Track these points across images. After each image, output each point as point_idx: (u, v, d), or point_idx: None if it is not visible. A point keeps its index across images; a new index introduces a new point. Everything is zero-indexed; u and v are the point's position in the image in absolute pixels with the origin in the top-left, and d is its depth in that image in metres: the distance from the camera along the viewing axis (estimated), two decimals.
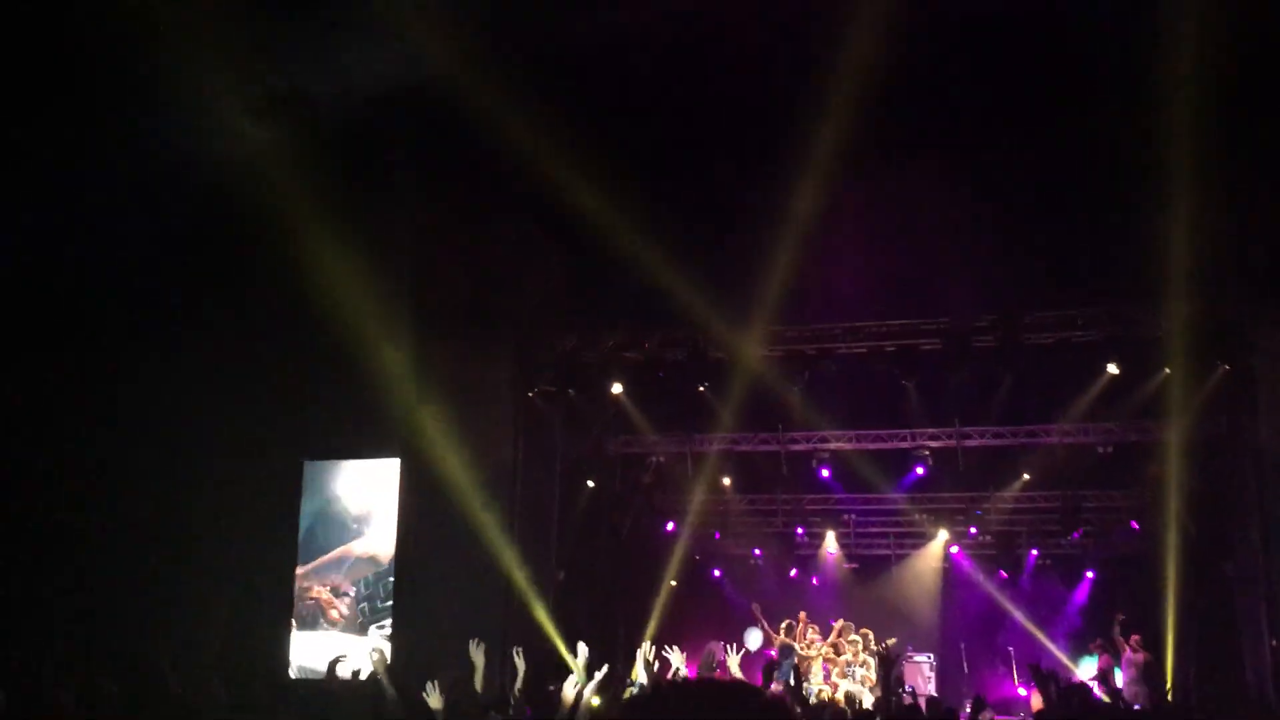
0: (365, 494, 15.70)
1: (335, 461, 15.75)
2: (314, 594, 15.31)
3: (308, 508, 15.68)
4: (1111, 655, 13.96)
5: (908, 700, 9.23)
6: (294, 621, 15.08)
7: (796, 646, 14.51)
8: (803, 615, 15.50)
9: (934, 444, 15.84)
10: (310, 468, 15.81)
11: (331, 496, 15.79)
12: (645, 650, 8.47)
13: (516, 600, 14.10)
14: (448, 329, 14.14)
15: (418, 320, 13.88)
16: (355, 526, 15.57)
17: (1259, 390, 13.07)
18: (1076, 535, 16.59)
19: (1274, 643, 12.79)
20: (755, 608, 15.40)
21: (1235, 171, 10.78)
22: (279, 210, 11.56)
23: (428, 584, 14.19)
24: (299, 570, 15.44)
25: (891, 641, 14.60)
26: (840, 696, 12.42)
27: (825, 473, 16.37)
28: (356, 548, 15.50)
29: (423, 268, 13.44)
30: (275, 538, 15.15)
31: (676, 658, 10.89)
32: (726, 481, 16.77)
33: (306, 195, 11.72)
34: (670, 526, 16.56)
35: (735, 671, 9.37)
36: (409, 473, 15.10)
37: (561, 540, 15.32)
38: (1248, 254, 11.93)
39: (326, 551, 15.50)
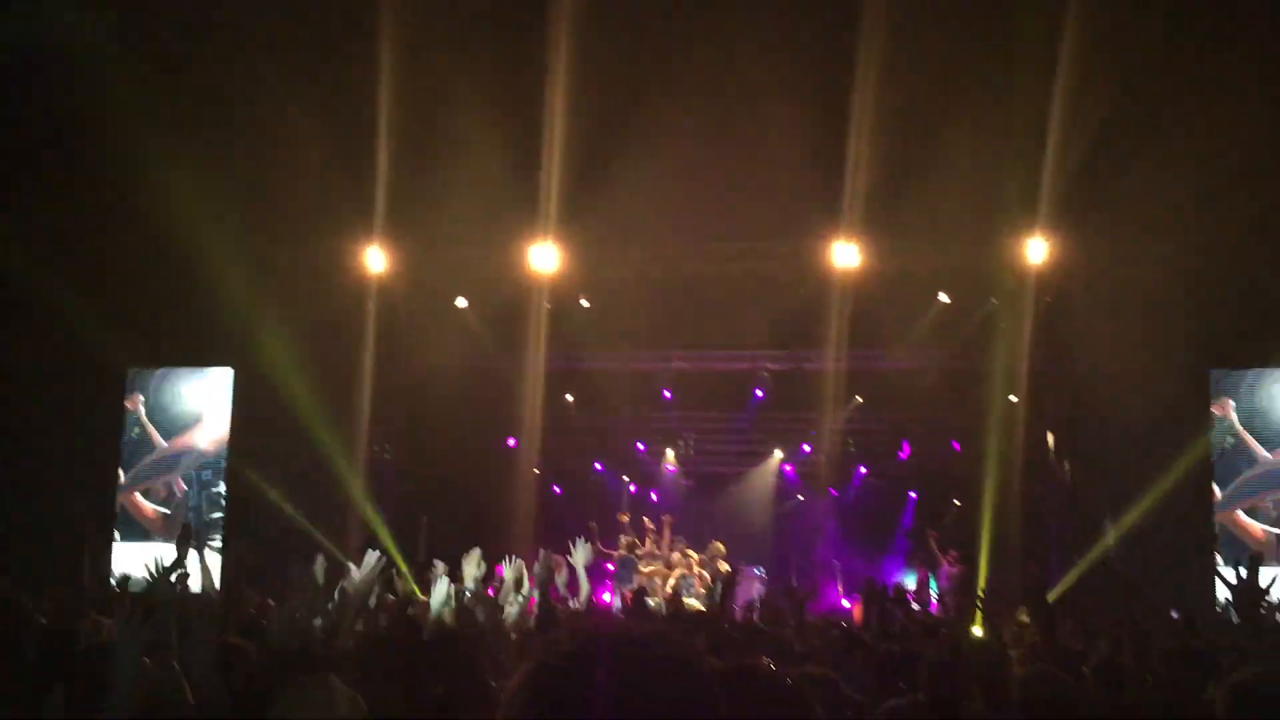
0: (196, 402, 15.16)
1: (165, 369, 15.14)
2: (136, 503, 14.78)
3: (135, 416, 15.08)
4: (928, 567, 14.74)
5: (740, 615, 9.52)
6: (116, 533, 14.56)
7: (637, 563, 14.81)
8: (666, 518, 15.80)
9: (773, 366, 16.24)
10: (137, 375, 15.16)
11: (160, 405, 15.19)
12: (475, 556, 8.43)
13: (355, 513, 13.94)
14: (288, 236, 13.64)
15: (254, 227, 13.33)
16: (185, 434, 15.06)
17: (1075, 323, 13.85)
18: (903, 455, 17.33)
19: (1075, 558, 13.76)
20: (623, 516, 15.60)
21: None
22: (108, 104, 10.87)
23: (261, 496, 13.86)
24: (122, 479, 14.87)
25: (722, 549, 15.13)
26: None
27: (667, 393, 16.60)
28: (184, 453, 15.00)
29: (262, 173, 12.86)
30: (97, 446, 14.53)
31: (511, 567, 10.91)
32: (569, 398, 16.82)
33: (141, 90, 11.05)
34: (512, 442, 16.54)
35: (582, 578, 9.49)
36: (242, 382, 14.64)
37: (399, 453, 15.16)
38: (1074, 195, 12.48)
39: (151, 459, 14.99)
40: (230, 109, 12.41)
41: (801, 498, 18.20)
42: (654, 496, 18.31)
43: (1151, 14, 10.23)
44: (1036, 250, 13.45)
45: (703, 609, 12.71)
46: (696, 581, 14.98)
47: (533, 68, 11.81)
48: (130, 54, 11.20)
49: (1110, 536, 12.33)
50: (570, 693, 1.15)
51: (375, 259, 14.37)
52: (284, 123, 11.90)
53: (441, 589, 7.19)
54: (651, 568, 15.27)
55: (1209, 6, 10.63)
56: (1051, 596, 12.90)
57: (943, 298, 14.68)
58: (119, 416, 14.92)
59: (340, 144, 12.49)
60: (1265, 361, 13.61)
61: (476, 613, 5.99)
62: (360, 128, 12.26)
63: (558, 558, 13.45)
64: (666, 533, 15.61)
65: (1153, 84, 10.97)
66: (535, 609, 7.40)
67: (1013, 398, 14.38)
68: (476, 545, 13.96)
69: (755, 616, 9.74)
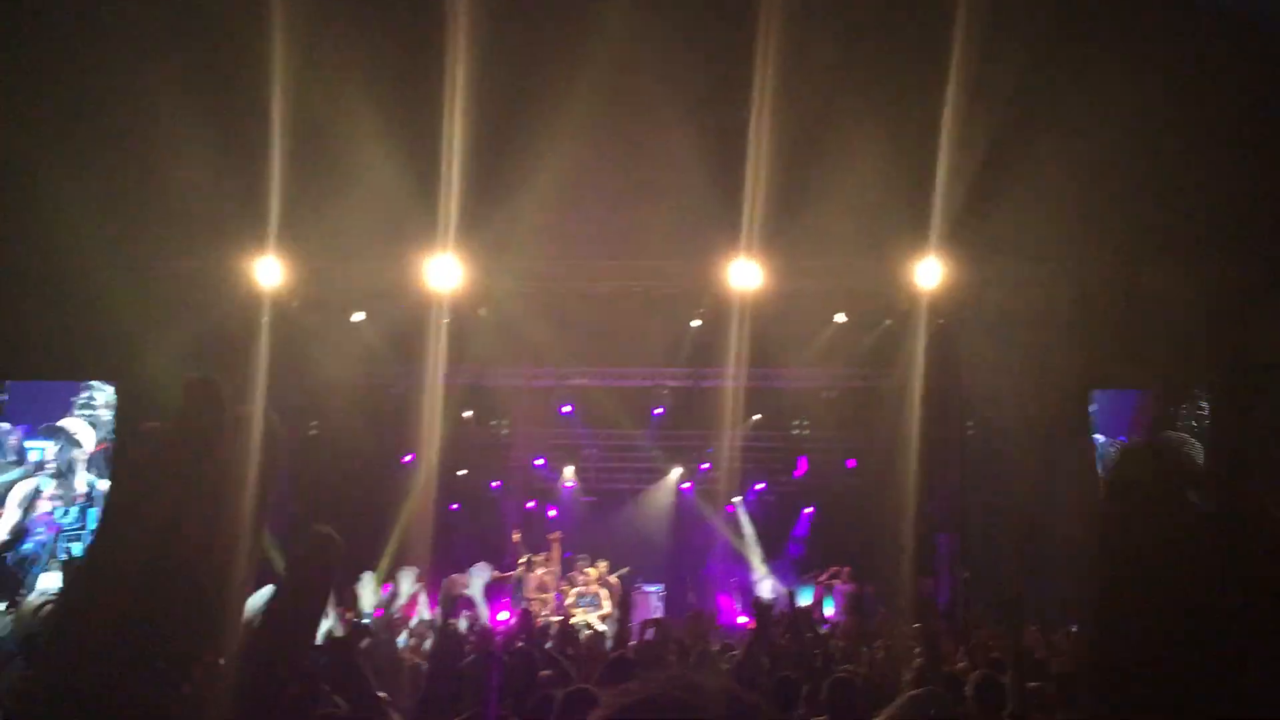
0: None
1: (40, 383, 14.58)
2: None
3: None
4: (825, 588, 14.94)
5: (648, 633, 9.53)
6: None
7: (530, 581, 14.71)
8: (554, 536, 15.69)
9: (672, 383, 16.32)
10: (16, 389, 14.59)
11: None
12: (374, 577, 8.26)
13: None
14: (176, 246, 13.25)
15: (140, 237, 12.92)
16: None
17: (964, 343, 14.21)
18: (798, 473, 17.56)
19: (966, 574, 14.11)
20: (515, 535, 15.44)
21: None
22: None
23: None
24: None
25: (623, 571, 15.09)
26: (577, 623, 12.73)
27: (567, 408, 16.56)
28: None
29: (148, 181, 12.48)
30: None
31: (407, 583, 10.74)
32: (467, 414, 16.67)
33: (21, 91, 10.65)
34: (409, 458, 16.33)
35: (480, 602, 9.41)
36: (125, 397, 14.17)
37: (293, 470, 14.81)
38: (963, 218, 12.78)
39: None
40: (116, 114, 12.01)
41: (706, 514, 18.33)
42: (552, 513, 18.25)
43: (1035, 39, 10.57)
44: (929, 272, 13.72)
45: (600, 627, 12.70)
46: (601, 599, 14.92)
47: (431, 78, 11.68)
48: (5, 54, 10.77)
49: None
50: None
51: (269, 271, 14.02)
52: (173, 129, 11.57)
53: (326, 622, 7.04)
54: (544, 586, 15.18)
55: (1094, 28, 11.00)
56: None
57: (839, 318, 14.93)
58: None
59: (232, 153, 12.18)
60: (1142, 384, 14.11)
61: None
62: (252, 136, 11.97)
63: (458, 578, 13.35)
64: (556, 550, 15.53)
65: (1037, 108, 11.32)
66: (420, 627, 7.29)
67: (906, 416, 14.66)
68: (368, 569, 13.79)
69: (650, 635, 9.76)
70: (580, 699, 3.99)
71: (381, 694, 3.00)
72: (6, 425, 14.41)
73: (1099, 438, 14.14)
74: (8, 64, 10.80)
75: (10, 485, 14.08)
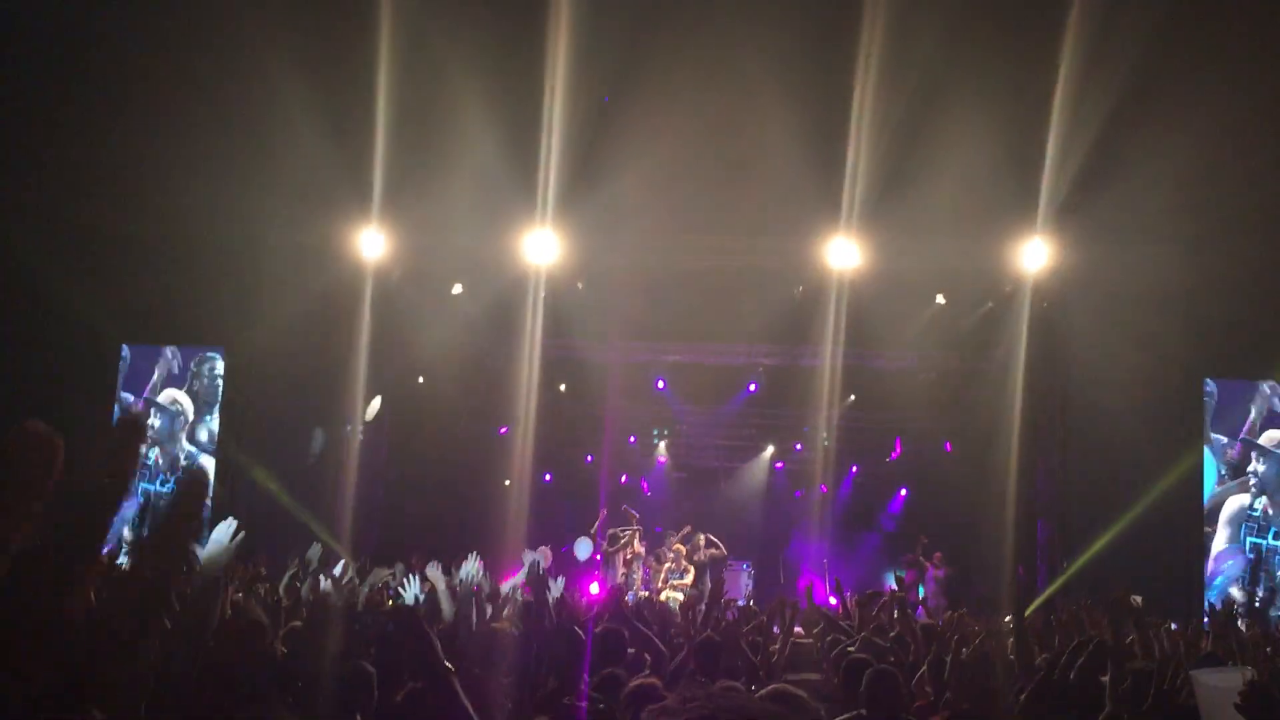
0: (189, 382, 15.16)
1: (157, 347, 15.12)
2: None
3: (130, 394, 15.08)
4: (918, 571, 14.74)
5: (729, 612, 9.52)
6: None
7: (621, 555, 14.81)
8: (633, 515, 15.71)
9: (767, 361, 16.22)
10: (133, 352, 15.16)
11: (154, 383, 15.19)
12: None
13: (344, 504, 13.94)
14: (284, 218, 13.60)
15: (250, 209, 13.30)
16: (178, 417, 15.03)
17: (1070, 327, 13.82)
18: (894, 455, 17.33)
19: (1065, 564, 13.77)
20: (627, 510, 15.51)
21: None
22: (104, 83, 10.85)
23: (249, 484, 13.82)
24: None
25: (714, 551, 15.14)
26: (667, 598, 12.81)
27: (661, 384, 16.58)
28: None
29: (259, 154, 12.81)
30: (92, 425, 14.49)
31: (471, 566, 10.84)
32: (562, 388, 16.81)
33: (136, 68, 11.01)
34: (503, 430, 16.54)
35: (557, 586, 9.49)
36: (233, 364, 14.64)
37: (392, 439, 15.16)
38: (1072, 199, 12.44)
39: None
40: (231, 88, 12.34)
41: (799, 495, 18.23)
42: (645, 487, 18.34)
43: (1151, 19, 10.18)
44: (1035, 254, 13.39)
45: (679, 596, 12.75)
46: (689, 574, 14.96)
47: (533, 54, 11.74)
48: (122, 31, 11.14)
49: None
50: None
51: (372, 243, 14.31)
52: (284, 104, 11.85)
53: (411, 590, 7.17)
54: (635, 561, 15.26)
55: (1208, 14, 10.56)
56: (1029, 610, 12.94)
57: (940, 299, 14.65)
58: (113, 388, 14.95)
59: (340, 128, 12.44)
60: (1259, 374, 13.57)
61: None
62: (359, 112, 12.20)
63: (546, 550, 13.51)
64: (634, 526, 15.53)
65: (1152, 88, 10.91)
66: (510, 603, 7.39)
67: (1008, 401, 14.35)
68: (464, 537, 14.04)
69: (733, 615, 9.76)
70: (644, 694, 4.00)
71: (449, 664, 3.04)
72: (130, 396, 14.98)
73: (1217, 438, 13.66)
74: (130, 38, 11.17)
75: None
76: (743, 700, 1.19)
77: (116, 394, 14.92)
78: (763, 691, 4.06)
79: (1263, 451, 13.53)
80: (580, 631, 5.92)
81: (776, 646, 6.84)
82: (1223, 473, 13.62)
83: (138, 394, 15.12)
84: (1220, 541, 13.47)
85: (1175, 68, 10.72)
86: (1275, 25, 10.03)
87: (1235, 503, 13.55)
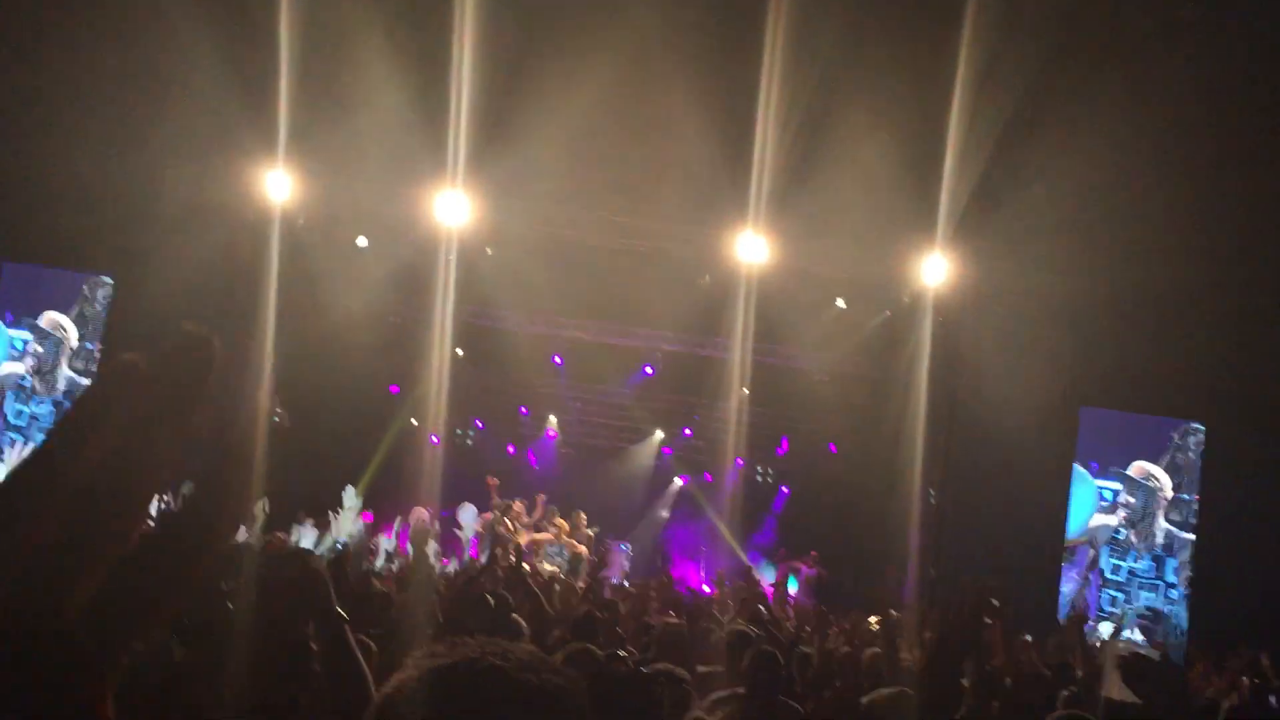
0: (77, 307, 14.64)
1: (39, 267, 14.54)
2: None
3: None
4: (789, 569, 15.03)
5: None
6: None
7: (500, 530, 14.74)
8: (540, 498, 15.62)
9: (667, 347, 16.33)
10: (12, 270, 14.56)
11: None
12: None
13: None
14: (187, 152, 13.19)
15: (153, 140, 12.86)
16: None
17: (961, 343, 14.25)
18: (781, 451, 17.61)
19: (933, 573, 14.21)
20: (492, 480, 15.41)
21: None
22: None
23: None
24: None
25: (595, 530, 15.20)
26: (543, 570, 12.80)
27: (558, 359, 16.56)
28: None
29: (165, 86, 12.41)
30: None
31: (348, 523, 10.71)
32: (459, 352, 16.65)
33: None
34: (394, 388, 16.33)
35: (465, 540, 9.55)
36: (124, 293, 14.16)
37: (279, 386, 14.79)
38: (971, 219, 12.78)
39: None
40: (132, 16, 11.92)
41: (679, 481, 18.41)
42: (531, 459, 18.31)
43: (1048, 39, 10.54)
44: (934, 268, 13.73)
45: (559, 573, 12.78)
46: (569, 549, 14.94)
47: (448, 9, 11.59)
48: None
49: None
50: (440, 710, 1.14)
51: (278, 185, 13.95)
52: (186, 36, 11.50)
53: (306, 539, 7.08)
54: (517, 533, 15.22)
55: (1106, 33, 10.97)
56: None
57: (840, 303, 14.93)
58: None
59: (244, 62, 12.11)
60: (1130, 406, 14.16)
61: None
62: (266, 47, 11.88)
63: (422, 511, 13.39)
64: (539, 506, 15.52)
65: (1047, 111, 11.30)
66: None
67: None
68: (349, 488, 13.83)
69: (607, 593, 9.85)
70: None
71: (341, 612, 3.00)
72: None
73: (1079, 468, 14.24)
74: None
75: None
76: (505, 645, 1.19)
77: None
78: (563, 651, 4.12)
79: (1133, 484, 14.17)
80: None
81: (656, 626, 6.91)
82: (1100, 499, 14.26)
83: (16, 314, 14.53)
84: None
85: (1068, 91, 11.11)
86: (1164, 48, 10.46)
87: (1102, 520, 14.18)
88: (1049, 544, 14.02)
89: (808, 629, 9.28)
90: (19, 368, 14.38)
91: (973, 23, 10.35)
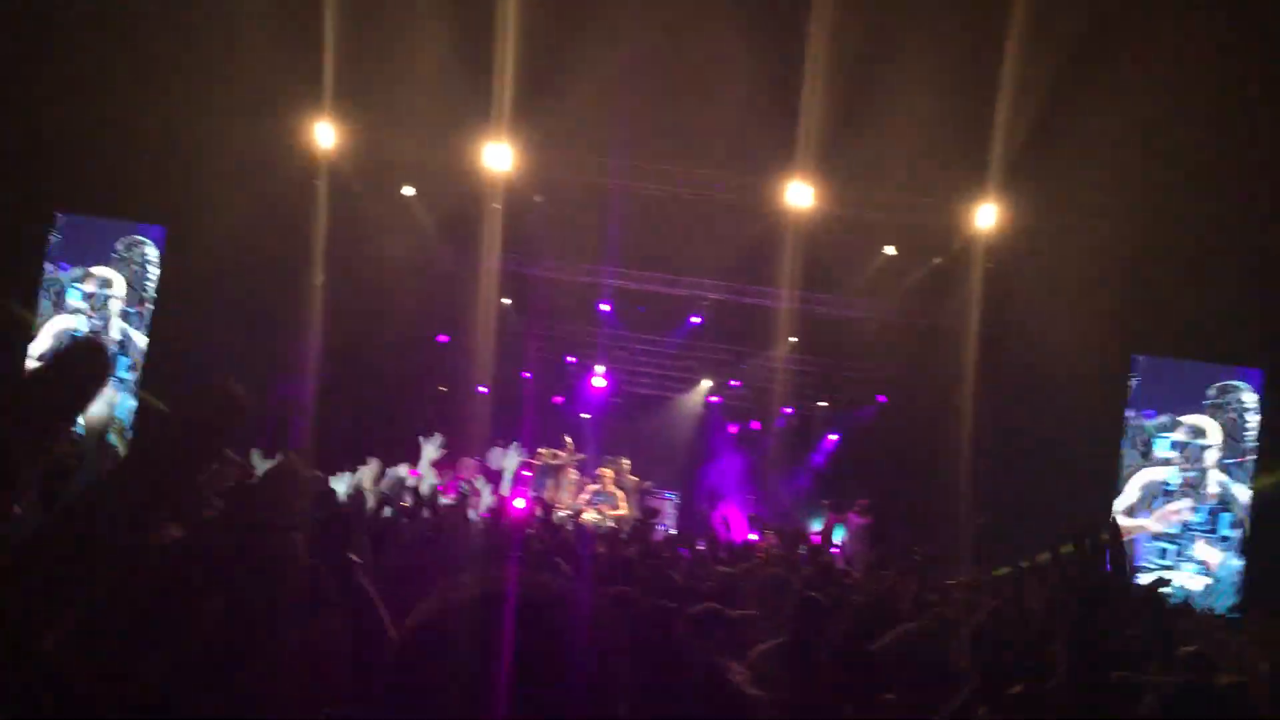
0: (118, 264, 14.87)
1: (94, 220, 14.77)
2: None
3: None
4: (840, 519, 14.98)
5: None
6: None
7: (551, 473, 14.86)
8: (568, 440, 15.72)
9: (713, 295, 16.25)
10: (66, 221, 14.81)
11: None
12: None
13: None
14: (236, 105, 13.26)
15: (201, 92, 12.95)
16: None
17: (1012, 290, 14.03)
18: (829, 401, 17.54)
19: (979, 520, 14.08)
20: (568, 442, 15.44)
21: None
22: None
23: (184, 366, 13.63)
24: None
25: (646, 484, 15.26)
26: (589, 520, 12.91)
27: (605, 307, 16.56)
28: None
29: (210, 38, 12.48)
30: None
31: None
32: (506, 301, 16.71)
33: None
34: (443, 338, 16.44)
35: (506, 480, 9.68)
36: (175, 242, 14.36)
37: (328, 337, 14.98)
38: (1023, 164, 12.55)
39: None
40: None
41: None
42: (578, 409, 18.39)
43: None
44: (986, 215, 13.52)
45: (611, 524, 12.88)
46: (617, 498, 15.03)
47: None
48: None
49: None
50: (467, 639, 1.14)
51: (325, 136, 14.02)
52: None
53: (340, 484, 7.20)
54: (569, 480, 15.34)
55: None
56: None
57: (889, 250, 14.75)
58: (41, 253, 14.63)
59: (292, 17, 12.14)
60: (1184, 353, 13.89)
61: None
62: (313, 3, 11.92)
63: (470, 460, 13.53)
64: (569, 449, 15.55)
65: (1102, 53, 11.00)
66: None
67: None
68: (392, 438, 13.98)
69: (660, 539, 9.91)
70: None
71: (353, 557, 3.02)
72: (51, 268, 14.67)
73: (1134, 414, 13.99)
74: None
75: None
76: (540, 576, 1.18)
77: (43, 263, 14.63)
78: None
79: (1188, 432, 13.92)
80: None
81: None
82: (1139, 450, 14.00)
83: (72, 264, 14.80)
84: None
85: (1125, 31, 10.81)
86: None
87: (1148, 476, 13.96)
88: (1100, 495, 13.83)
89: (856, 575, 9.27)
90: (74, 321, 14.67)
91: None
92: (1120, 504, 13.84)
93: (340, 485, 7.14)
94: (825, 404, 17.73)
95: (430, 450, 9.52)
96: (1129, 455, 14.02)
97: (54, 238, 14.72)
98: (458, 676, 1.12)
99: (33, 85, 12.79)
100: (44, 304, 14.65)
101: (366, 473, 7.73)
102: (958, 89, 11.51)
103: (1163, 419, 13.99)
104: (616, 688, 1.16)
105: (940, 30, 11.12)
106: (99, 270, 14.73)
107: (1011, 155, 12.28)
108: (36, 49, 12.61)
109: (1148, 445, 14.00)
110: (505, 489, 10.44)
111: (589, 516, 13.42)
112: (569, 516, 12.71)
